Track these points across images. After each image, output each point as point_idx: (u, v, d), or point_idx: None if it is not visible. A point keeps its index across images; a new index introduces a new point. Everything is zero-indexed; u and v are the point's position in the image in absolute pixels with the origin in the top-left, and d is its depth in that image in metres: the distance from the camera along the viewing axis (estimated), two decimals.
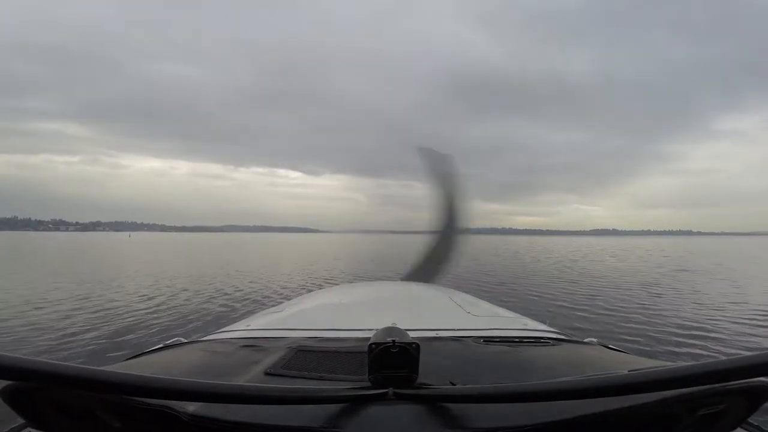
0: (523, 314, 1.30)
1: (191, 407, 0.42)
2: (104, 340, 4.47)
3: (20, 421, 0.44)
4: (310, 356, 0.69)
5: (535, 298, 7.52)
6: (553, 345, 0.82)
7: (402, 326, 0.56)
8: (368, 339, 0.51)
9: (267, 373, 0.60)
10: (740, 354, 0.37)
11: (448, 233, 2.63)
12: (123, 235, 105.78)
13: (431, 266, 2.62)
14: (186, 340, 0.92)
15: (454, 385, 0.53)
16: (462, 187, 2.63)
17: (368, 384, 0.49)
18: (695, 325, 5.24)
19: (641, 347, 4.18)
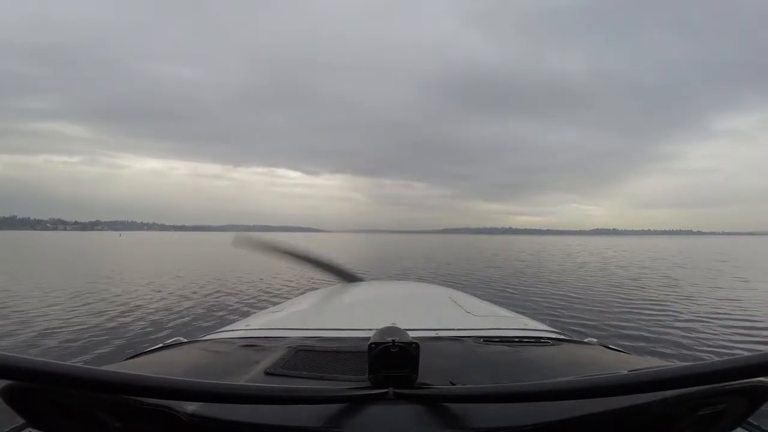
0: (523, 314, 1.30)
1: (191, 407, 0.42)
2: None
3: (20, 421, 0.44)
4: (310, 356, 0.69)
5: None
6: (553, 345, 0.82)
7: (402, 326, 0.56)
8: (368, 339, 0.51)
9: (267, 373, 0.60)
10: (740, 354, 0.37)
11: None
12: (114, 235, 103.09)
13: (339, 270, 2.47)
14: (186, 340, 0.92)
15: (454, 385, 0.53)
16: None
17: (368, 384, 0.49)
18: None
19: (642, 347, 4.17)
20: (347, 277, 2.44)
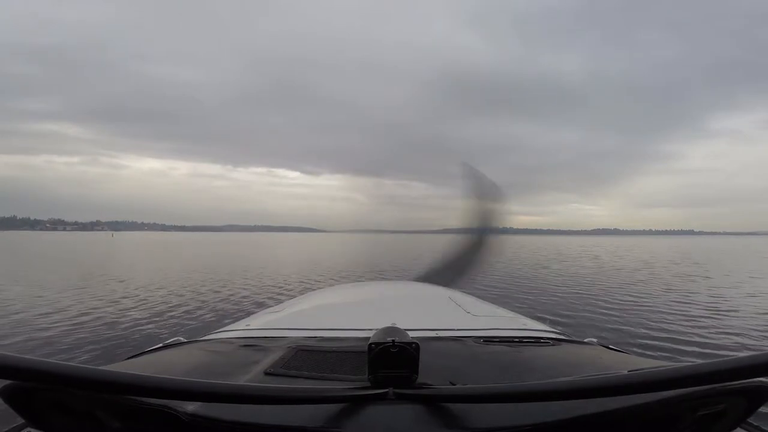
0: (523, 314, 1.30)
1: (191, 407, 0.42)
2: None
3: (20, 421, 0.44)
4: (310, 356, 0.69)
5: None
6: (553, 345, 0.82)
7: (402, 326, 0.56)
8: (368, 339, 0.51)
9: (267, 373, 0.60)
10: (740, 354, 0.37)
11: (479, 237, 2.53)
12: (106, 235, 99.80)
13: (454, 269, 2.52)
14: (186, 340, 0.92)
15: (454, 385, 0.53)
16: (500, 199, 2.54)
17: (368, 384, 0.49)
18: None
19: (642, 348, 4.17)
20: (444, 279, 2.41)
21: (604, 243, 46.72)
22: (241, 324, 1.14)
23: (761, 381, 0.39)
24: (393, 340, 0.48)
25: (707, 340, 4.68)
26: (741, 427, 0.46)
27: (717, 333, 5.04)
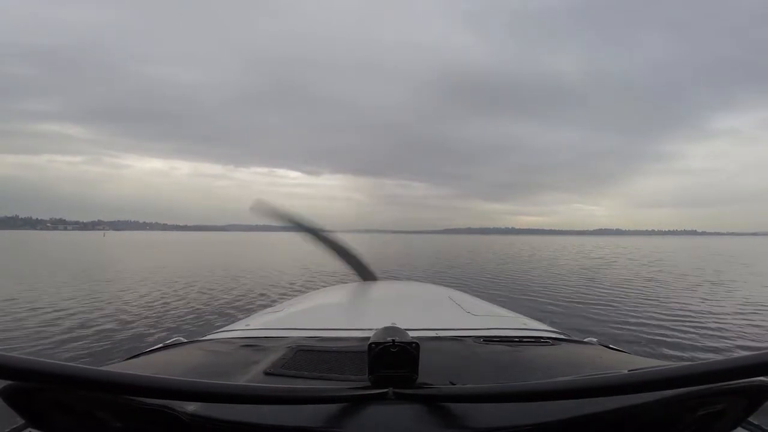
0: (522, 314, 1.30)
1: (191, 407, 0.42)
2: None
3: (20, 421, 0.44)
4: (310, 356, 0.69)
5: None
6: (553, 345, 0.81)
7: (402, 326, 0.56)
8: (368, 339, 0.51)
9: (267, 373, 0.60)
10: (740, 354, 0.37)
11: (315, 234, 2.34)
12: (97, 235, 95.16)
13: (358, 265, 2.39)
14: (186, 340, 0.92)
15: (454, 384, 0.53)
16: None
17: (368, 384, 0.49)
18: None
19: (642, 347, 4.16)
20: (363, 272, 2.35)
21: (619, 244, 44.61)
22: (240, 324, 1.14)
23: (761, 380, 0.39)
24: (393, 340, 0.48)
25: None
26: (741, 427, 0.46)
27: None
